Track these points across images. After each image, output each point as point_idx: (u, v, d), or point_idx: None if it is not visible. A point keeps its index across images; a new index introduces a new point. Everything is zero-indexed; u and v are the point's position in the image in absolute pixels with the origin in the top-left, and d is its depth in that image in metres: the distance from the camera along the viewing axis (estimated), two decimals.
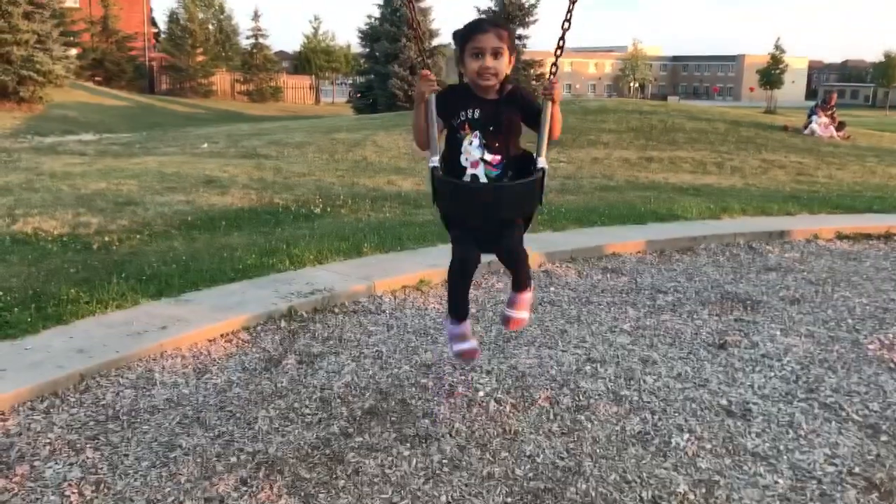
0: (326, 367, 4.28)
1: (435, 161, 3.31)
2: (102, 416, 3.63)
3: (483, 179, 3.29)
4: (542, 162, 3.28)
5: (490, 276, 5.97)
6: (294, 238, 6.84)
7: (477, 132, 3.29)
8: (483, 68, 3.23)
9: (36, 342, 4.27)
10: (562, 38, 3.29)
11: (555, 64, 3.31)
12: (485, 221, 3.30)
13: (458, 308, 3.59)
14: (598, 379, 4.18)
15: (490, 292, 5.69)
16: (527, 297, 3.64)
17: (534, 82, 39.64)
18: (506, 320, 3.67)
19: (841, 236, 7.93)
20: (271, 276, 5.67)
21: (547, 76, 3.35)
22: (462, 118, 3.30)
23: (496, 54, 3.24)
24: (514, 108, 3.32)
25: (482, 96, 3.31)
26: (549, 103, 3.24)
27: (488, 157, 3.29)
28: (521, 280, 3.58)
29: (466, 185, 3.29)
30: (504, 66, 3.27)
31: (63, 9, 36.82)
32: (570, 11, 3.27)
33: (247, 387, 4.01)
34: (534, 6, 39.93)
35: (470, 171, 3.30)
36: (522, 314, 3.65)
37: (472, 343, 3.64)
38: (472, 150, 3.30)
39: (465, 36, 3.31)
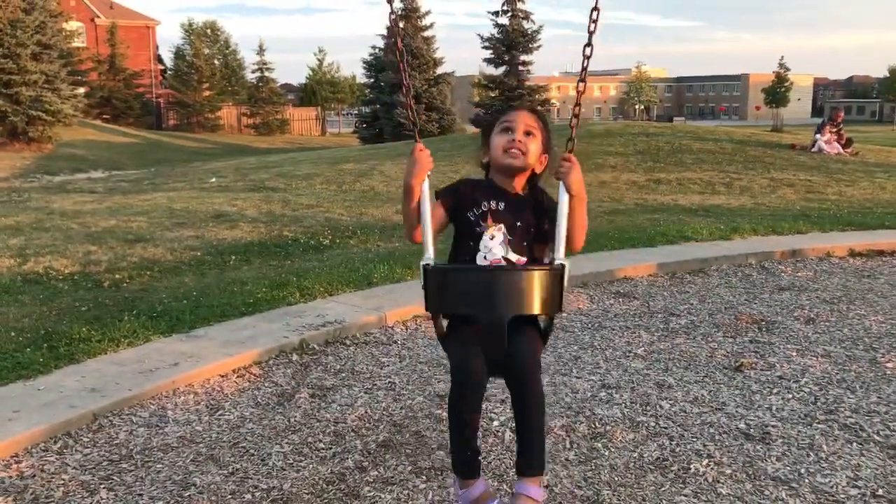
0: (339, 400, 4.26)
1: (430, 259, 2.73)
2: (116, 456, 3.61)
3: None
4: (561, 258, 2.71)
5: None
6: (304, 270, 6.84)
7: (501, 226, 2.78)
8: (511, 142, 2.79)
9: (48, 382, 4.26)
10: (577, 103, 2.80)
11: (571, 138, 2.75)
12: (495, 316, 2.62)
13: (464, 460, 2.74)
14: (614, 405, 4.13)
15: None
16: (538, 490, 2.70)
17: (539, 108, 39.70)
18: None
19: (854, 253, 7.88)
20: (282, 310, 5.66)
21: (566, 147, 2.78)
22: (484, 209, 2.80)
23: (528, 133, 2.82)
24: (539, 205, 2.85)
25: (506, 189, 2.85)
26: (567, 194, 2.72)
27: (513, 256, 2.77)
28: (532, 452, 2.71)
29: (469, 267, 2.76)
30: (536, 149, 2.82)
31: (70, 49, 37.36)
32: (584, 69, 2.74)
33: (260, 422, 3.98)
34: (536, 32, 40.21)
35: None
36: None
37: (482, 489, 2.75)
38: (493, 246, 2.76)
39: (495, 117, 2.94)
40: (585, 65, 2.74)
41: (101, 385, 4.23)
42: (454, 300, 2.74)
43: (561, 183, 2.72)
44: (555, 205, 2.76)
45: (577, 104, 2.80)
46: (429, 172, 2.79)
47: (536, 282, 2.67)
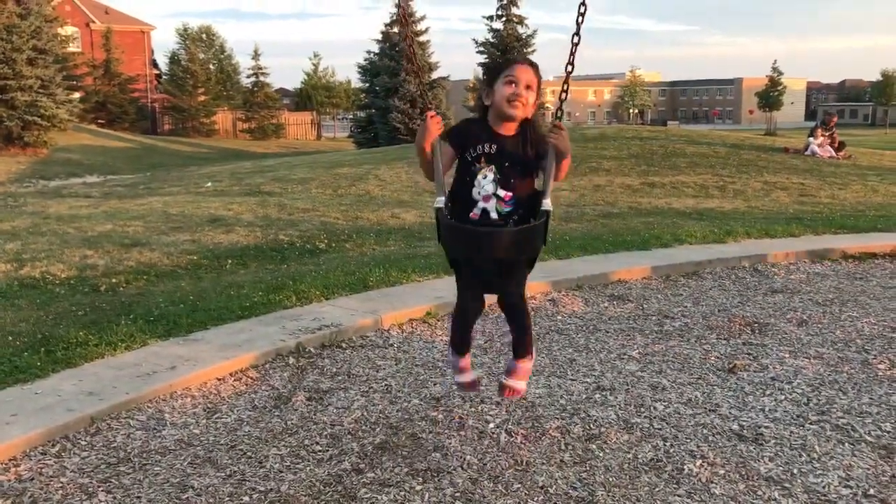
0: (336, 402, 4.28)
1: (441, 202, 3.29)
2: (114, 459, 3.63)
3: (493, 215, 3.25)
4: (546, 204, 3.26)
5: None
6: (300, 274, 6.86)
7: (492, 166, 3.26)
8: (515, 94, 3.22)
9: (46, 386, 4.28)
10: (566, 81, 3.27)
11: (560, 108, 3.31)
12: (489, 264, 3.32)
13: (459, 344, 3.59)
14: (609, 407, 4.17)
15: (497, 323, 5.69)
16: (526, 366, 3.56)
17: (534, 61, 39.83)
18: (501, 388, 3.59)
19: (846, 256, 7.93)
20: (278, 313, 5.69)
21: (552, 116, 3.33)
22: (479, 151, 3.28)
23: (529, 87, 3.26)
24: (529, 144, 3.30)
25: (500, 132, 3.30)
26: (554, 152, 3.24)
27: (501, 192, 3.25)
28: (521, 345, 3.52)
29: (470, 230, 3.27)
30: (532, 103, 3.30)
31: (66, 54, 37.35)
32: (572, 54, 3.25)
33: (257, 425, 4.01)
34: (531, 37, 40.32)
35: (481, 204, 3.26)
36: (519, 384, 3.56)
37: (471, 376, 3.65)
38: (485, 184, 3.26)
39: (501, 65, 3.34)
40: (573, 50, 3.24)
41: (99, 389, 4.25)
42: (459, 251, 3.40)
43: (551, 148, 3.24)
44: (544, 141, 3.27)
45: (566, 81, 3.28)
46: (438, 136, 3.28)
47: (525, 235, 3.26)
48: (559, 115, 3.28)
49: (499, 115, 3.29)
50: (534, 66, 3.33)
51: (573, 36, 3.21)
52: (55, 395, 4.15)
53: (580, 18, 3.21)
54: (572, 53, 3.23)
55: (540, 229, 3.25)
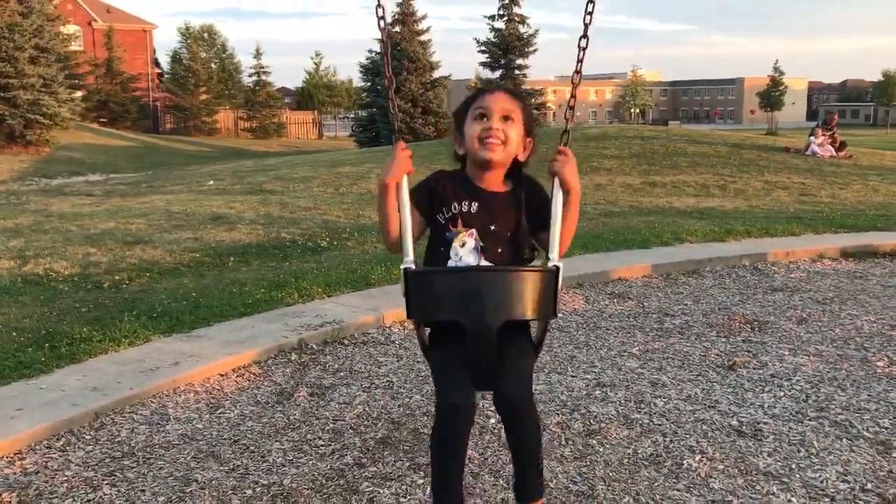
0: (338, 398, 4.32)
1: (409, 262, 2.49)
2: (118, 453, 3.66)
3: None
4: (554, 260, 2.49)
5: None
6: (302, 271, 6.90)
7: (473, 231, 2.53)
8: (486, 130, 2.51)
9: (50, 381, 4.32)
10: (572, 94, 2.57)
11: (566, 131, 2.60)
12: (481, 325, 2.35)
13: (447, 495, 2.51)
14: (609, 403, 4.20)
15: None
16: None
17: (535, 111, 39.88)
18: None
19: (846, 255, 7.96)
20: (281, 310, 5.72)
21: (560, 143, 2.54)
22: (454, 211, 2.55)
23: (506, 118, 2.54)
24: (525, 202, 2.59)
25: (483, 187, 2.58)
26: (560, 189, 2.49)
27: (485, 264, 2.52)
28: (528, 474, 2.62)
29: (454, 272, 2.49)
30: (517, 136, 2.56)
31: (68, 52, 37.41)
32: (580, 60, 2.55)
33: (260, 420, 4.04)
34: (532, 36, 40.35)
35: None
36: None
37: None
38: (463, 254, 2.53)
39: (467, 101, 2.65)
40: (581, 56, 2.55)
41: (103, 384, 4.28)
42: (437, 305, 2.46)
43: (556, 178, 2.49)
44: (546, 199, 2.54)
45: (573, 96, 2.56)
46: (406, 175, 2.51)
47: (529, 284, 2.42)
48: (565, 138, 2.56)
49: (477, 164, 2.58)
50: (509, 91, 2.67)
51: (580, 39, 2.56)
52: (59, 391, 4.18)
53: (587, 18, 2.54)
54: (580, 60, 2.55)
55: (550, 282, 2.45)
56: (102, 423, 3.95)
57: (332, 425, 3.96)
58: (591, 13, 2.53)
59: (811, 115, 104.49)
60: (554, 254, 2.50)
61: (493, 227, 2.53)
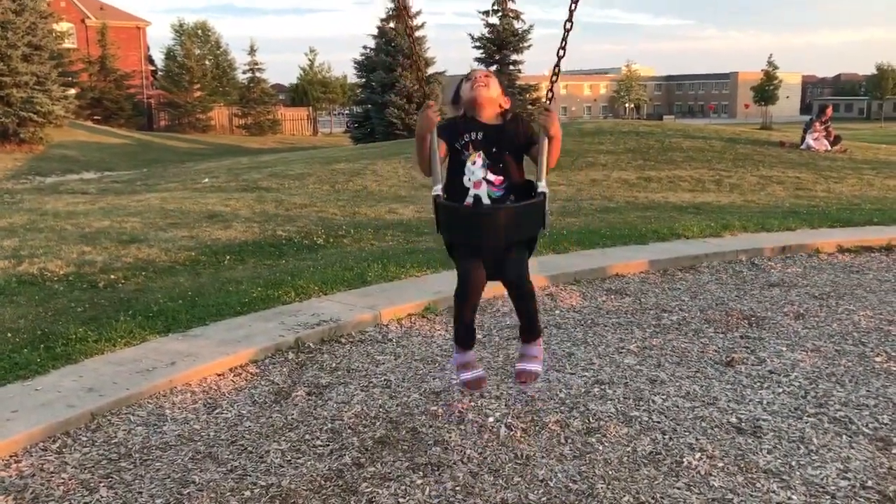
0: (336, 397, 4.30)
1: (438, 189, 3.41)
2: (115, 455, 3.64)
3: (486, 200, 3.37)
4: (542, 186, 3.37)
5: (495, 300, 5.98)
6: (298, 270, 6.87)
7: (480, 152, 3.41)
8: (476, 81, 3.46)
9: (46, 382, 4.29)
10: (557, 65, 3.42)
11: (550, 90, 3.42)
12: (488, 244, 3.39)
13: (464, 336, 3.67)
14: (607, 401, 4.19)
15: (496, 317, 5.71)
16: (538, 348, 3.72)
17: (530, 107, 39.86)
18: (518, 374, 3.70)
19: (842, 250, 7.95)
20: (277, 309, 5.69)
21: (544, 100, 3.49)
22: (466, 139, 3.44)
23: (487, 76, 3.53)
24: (515, 133, 3.47)
25: (484, 121, 3.48)
26: (545, 136, 3.38)
27: (491, 177, 3.39)
28: (529, 326, 3.66)
29: (468, 209, 3.37)
30: (495, 86, 3.50)
31: (61, 50, 37.16)
32: (564, 39, 3.39)
33: (257, 420, 4.02)
34: (527, 32, 40.27)
35: (473, 191, 3.38)
36: (536, 367, 3.71)
37: (478, 372, 3.73)
38: (475, 170, 3.40)
39: (459, 83, 3.59)
40: (565, 35, 3.38)
41: (99, 385, 4.26)
42: (458, 234, 3.45)
43: (543, 127, 3.36)
44: (530, 128, 3.47)
45: (557, 66, 3.42)
46: (436, 126, 3.40)
47: (524, 213, 3.34)
48: (549, 97, 3.44)
49: (472, 107, 3.49)
50: (484, 70, 3.75)
51: (565, 23, 3.37)
52: (55, 392, 4.16)
53: (573, 5, 3.37)
54: (564, 39, 3.38)
55: (537, 208, 3.36)
56: (99, 425, 3.93)
57: (330, 425, 3.94)
58: (575, 0, 3.37)
59: (805, 109, 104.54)
60: (542, 182, 3.37)
61: (494, 150, 3.41)
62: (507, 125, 3.51)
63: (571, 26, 3.38)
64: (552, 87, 3.40)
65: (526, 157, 3.58)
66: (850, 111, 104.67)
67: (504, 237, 3.36)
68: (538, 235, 3.56)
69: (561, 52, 3.40)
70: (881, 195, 12.49)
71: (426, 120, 3.41)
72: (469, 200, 3.38)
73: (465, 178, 3.41)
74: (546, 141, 3.38)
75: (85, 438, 3.80)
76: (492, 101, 3.50)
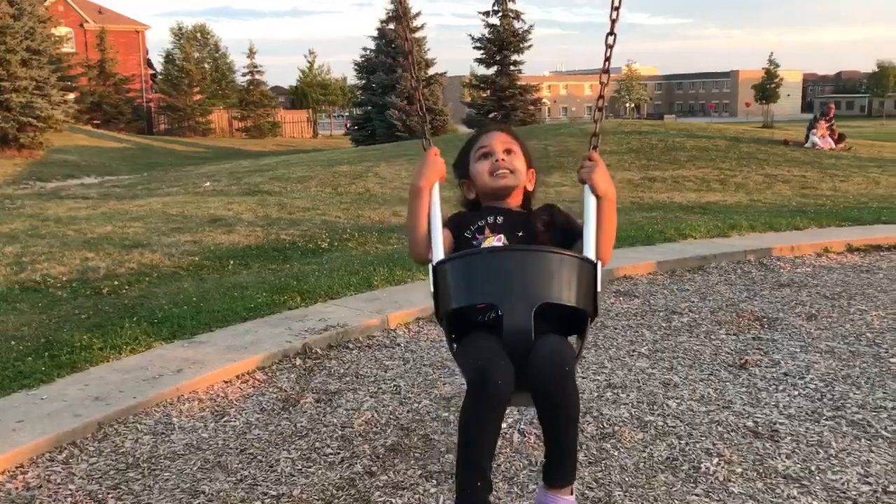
0: (345, 404, 4.24)
1: (440, 257, 2.50)
2: (122, 465, 3.58)
3: None
4: (591, 255, 2.47)
5: None
6: (303, 274, 6.82)
7: (501, 236, 2.57)
8: (495, 163, 2.64)
9: (51, 391, 4.23)
10: (601, 96, 2.68)
11: (595, 134, 2.66)
12: (514, 306, 2.26)
13: (473, 476, 2.31)
14: (621, 405, 4.13)
15: None
16: (568, 501, 2.55)
17: (531, 107, 39.83)
18: None
19: (851, 249, 7.89)
20: (283, 314, 5.64)
21: (590, 145, 2.68)
22: (480, 224, 2.63)
23: (508, 151, 2.69)
24: (546, 222, 2.66)
25: (504, 206, 2.69)
26: (592, 195, 2.55)
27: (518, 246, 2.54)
28: (560, 460, 2.49)
29: (486, 249, 2.49)
30: (522, 166, 2.69)
31: (60, 54, 37.18)
32: (607, 59, 2.63)
33: (266, 428, 3.96)
34: (527, 32, 40.23)
35: None
36: None
37: None
38: None
39: (466, 146, 2.79)
40: (608, 54, 2.59)
41: (105, 393, 4.20)
42: (468, 290, 2.36)
43: (586, 185, 2.55)
44: (569, 217, 2.65)
45: (601, 97, 2.65)
46: (438, 180, 2.63)
47: (568, 266, 2.34)
48: (594, 143, 2.66)
49: (492, 196, 2.69)
50: (505, 128, 2.80)
51: (607, 36, 2.60)
52: (61, 401, 4.10)
53: (614, 14, 2.60)
54: (607, 59, 2.62)
55: (590, 274, 2.41)
56: (106, 434, 3.87)
57: (340, 432, 3.88)
58: (617, 8, 2.58)
59: (806, 107, 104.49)
60: (591, 255, 2.46)
61: (520, 234, 2.57)
62: (536, 212, 2.71)
63: (614, 40, 2.61)
64: (596, 128, 2.63)
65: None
66: (851, 109, 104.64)
67: (545, 292, 2.29)
68: (588, 324, 2.52)
69: (605, 78, 2.63)
70: (888, 193, 12.44)
71: (427, 169, 2.58)
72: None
73: None
74: (594, 202, 2.52)
75: (92, 448, 3.74)
76: (518, 186, 2.69)
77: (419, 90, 2.86)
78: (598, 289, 2.42)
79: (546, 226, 2.63)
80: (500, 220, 2.62)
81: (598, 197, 2.54)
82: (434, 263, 2.46)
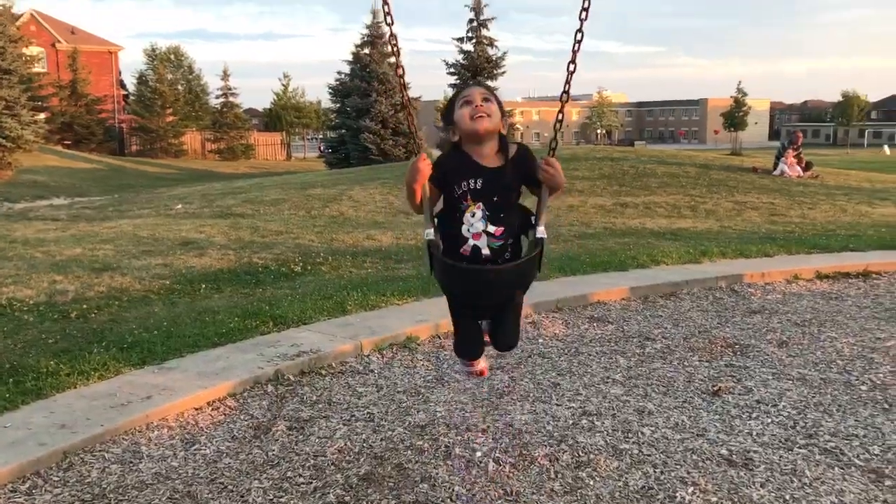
0: (318, 432, 4.18)
1: (431, 234, 3.16)
2: (88, 496, 3.50)
3: (485, 251, 3.11)
4: (541, 232, 3.14)
5: None
6: (276, 298, 6.75)
7: (480, 204, 3.11)
8: (475, 108, 3.11)
9: (15, 419, 4.13)
10: (560, 110, 3.14)
11: (554, 138, 3.18)
12: (486, 303, 3.24)
13: (473, 356, 3.50)
14: (596, 433, 4.11)
15: None
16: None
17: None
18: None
19: (820, 276, 7.98)
20: (255, 339, 5.57)
21: (548, 149, 3.17)
22: (463, 188, 3.14)
23: (486, 99, 3.16)
24: (517, 174, 3.14)
25: (483, 163, 3.15)
26: (546, 190, 3.10)
27: (491, 228, 3.12)
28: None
29: (464, 269, 3.14)
30: (496, 113, 3.16)
31: (31, 74, 36.83)
32: (567, 82, 3.11)
33: (237, 456, 3.89)
34: (501, 59, 40.55)
35: (472, 241, 3.11)
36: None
37: (482, 364, 3.56)
38: (474, 221, 3.12)
39: (452, 98, 3.27)
40: (569, 78, 3.11)
41: (72, 421, 4.11)
42: (454, 288, 3.28)
43: (546, 182, 3.09)
44: (535, 164, 3.09)
45: (560, 111, 3.15)
46: (428, 179, 3.13)
47: (524, 269, 3.18)
48: (553, 146, 3.15)
49: (470, 139, 3.16)
50: (483, 85, 3.36)
51: (569, 64, 3.09)
52: (25, 429, 4.00)
53: (576, 46, 3.10)
54: (567, 82, 3.11)
55: (535, 261, 3.16)
56: (71, 464, 3.78)
57: (312, 461, 3.83)
58: (579, 41, 3.10)
59: (774, 134, 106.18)
60: (541, 227, 3.15)
61: (495, 199, 3.12)
62: (508, 168, 3.16)
63: (575, 68, 3.10)
64: (556, 135, 3.15)
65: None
66: (817, 137, 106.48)
67: (503, 293, 3.19)
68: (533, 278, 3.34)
69: (564, 97, 3.13)
70: (854, 220, 12.62)
71: (417, 173, 3.11)
72: (467, 249, 3.11)
73: (464, 228, 3.13)
74: (547, 191, 3.12)
75: (57, 478, 3.65)
76: (494, 133, 3.17)
77: (409, 108, 3.33)
78: (543, 255, 3.19)
79: (517, 178, 3.15)
80: (479, 184, 3.11)
81: (552, 189, 3.13)
82: (427, 239, 3.17)
